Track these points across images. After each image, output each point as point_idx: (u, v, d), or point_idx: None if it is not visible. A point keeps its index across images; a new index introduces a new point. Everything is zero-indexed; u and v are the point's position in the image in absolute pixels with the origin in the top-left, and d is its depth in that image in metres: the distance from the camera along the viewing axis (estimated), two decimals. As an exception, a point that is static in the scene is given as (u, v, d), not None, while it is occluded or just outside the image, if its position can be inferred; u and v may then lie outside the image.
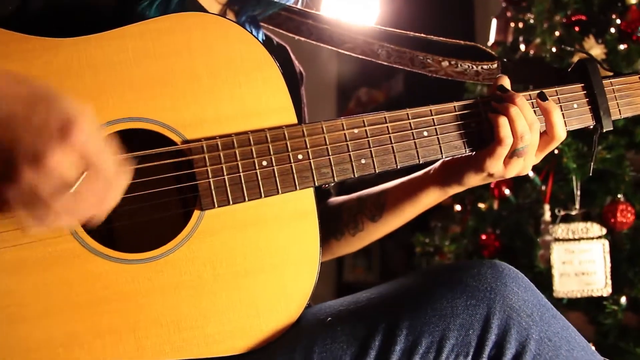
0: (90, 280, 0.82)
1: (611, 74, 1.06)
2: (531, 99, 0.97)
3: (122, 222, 0.89)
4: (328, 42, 1.13)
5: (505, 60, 1.09)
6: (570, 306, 1.81)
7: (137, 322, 0.83)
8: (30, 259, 0.80)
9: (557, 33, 2.00)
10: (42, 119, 0.63)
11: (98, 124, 0.67)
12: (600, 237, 1.78)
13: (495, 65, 1.09)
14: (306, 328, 0.87)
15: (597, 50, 1.86)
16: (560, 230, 1.81)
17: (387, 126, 0.93)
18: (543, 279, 1.80)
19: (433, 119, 0.95)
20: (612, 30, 1.89)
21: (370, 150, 0.92)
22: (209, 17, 0.90)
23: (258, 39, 0.90)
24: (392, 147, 0.92)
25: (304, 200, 0.89)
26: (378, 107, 3.45)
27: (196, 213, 0.85)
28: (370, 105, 3.86)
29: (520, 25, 2.22)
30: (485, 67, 1.08)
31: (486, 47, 1.10)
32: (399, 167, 0.93)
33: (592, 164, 1.14)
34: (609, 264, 1.77)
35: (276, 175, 0.87)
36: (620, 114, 1.03)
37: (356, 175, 0.91)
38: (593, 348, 0.87)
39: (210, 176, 0.85)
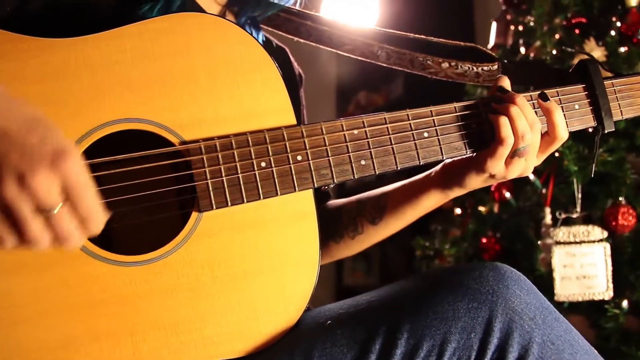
0: (88, 282, 0.81)
1: (612, 74, 1.05)
2: (532, 100, 0.97)
3: (120, 224, 0.88)
4: (327, 44, 1.13)
5: (505, 61, 1.09)
6: (571, 310, 1.80)
7: (134, 325, 0.82)
8: (29, 260, 0.79)
9: (557, 36, 2.00)
10: (38, 141, 0.65)
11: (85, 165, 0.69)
12: (601, 240, 1.78)
13: (495, 67, 1.08)
14: (305, 331, 0.86)
15: (597, 53, 1.86)
16: (561, 233, 1.80)
17: (387, 127, 0.92)
18: (544, 283, 1.79)
19: (433, 119, 0.94)
20: (613, 32, 1.89)
21: (370, 151, 0.91)
22: (208, 18, 0.89)
23: (258, 41, 0.90)
24: (392, 148, 0.92)
25: (303, 202, 0.89)
26: (377, 110, 3.44)
27: (194, 215, 0.85)
28: (370, 109, 3.86)
29: (520, 28, 2.21)
30: (485, 68, 1.08)
31: (486, 49, 1.09)
32: (399, 168, 0.92)
33: (593, 166, 1.14)
34: (610, 267, 1.76)
35: (275, 176, 0.86)
36: (621, 114, 1.03)
37: (356, 177, 0.90)
38: (596, 351, 0.86)
39: (208, 177, 0.84)
